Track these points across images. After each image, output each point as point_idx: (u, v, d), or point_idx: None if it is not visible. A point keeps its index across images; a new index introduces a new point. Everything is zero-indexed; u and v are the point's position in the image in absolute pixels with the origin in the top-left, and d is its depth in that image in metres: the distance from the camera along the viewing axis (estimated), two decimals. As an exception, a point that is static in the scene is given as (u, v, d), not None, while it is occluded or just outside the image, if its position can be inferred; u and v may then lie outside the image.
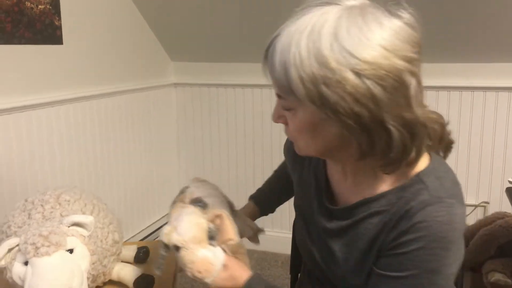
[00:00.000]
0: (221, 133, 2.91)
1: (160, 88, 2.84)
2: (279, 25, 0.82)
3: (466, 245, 1.36)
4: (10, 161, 1.82)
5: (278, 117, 0.89)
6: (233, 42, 2.64)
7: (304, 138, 0.86)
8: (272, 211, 1.37)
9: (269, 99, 2.72)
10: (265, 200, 1.34)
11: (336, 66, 0.73)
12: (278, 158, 1.52)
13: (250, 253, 3.07)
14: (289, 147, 1.11)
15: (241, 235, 1.12)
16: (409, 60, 0.75)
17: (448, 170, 0.88)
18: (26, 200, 1.17)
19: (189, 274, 0.96)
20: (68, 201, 1.14)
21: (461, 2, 2.02)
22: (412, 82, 0.76)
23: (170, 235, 0.98)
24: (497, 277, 1.34)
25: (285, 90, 0.81)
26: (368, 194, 0.90)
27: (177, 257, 0.97)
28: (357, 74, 0.73)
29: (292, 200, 1.17)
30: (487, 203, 2.49)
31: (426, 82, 0.81)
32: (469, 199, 2.51)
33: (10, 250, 0.99)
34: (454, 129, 0.94)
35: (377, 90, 0.74)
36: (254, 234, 1.26)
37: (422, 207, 0.81)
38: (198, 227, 0.97)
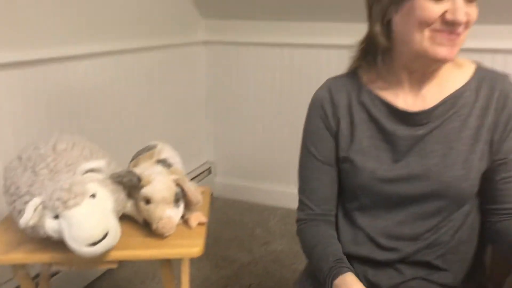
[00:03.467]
0: (250, 93, 2.78)
1: (190, 46, 2.70)
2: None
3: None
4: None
5: (466, 14, 0.88)
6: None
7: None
8: None
9: (300, 59, 2.61)
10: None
11: None
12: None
13: (274, 210, 2.88)
14: (326, 99, 1.07)
15: None
16: None
17: None
18: (20, 158, 1.17)
19: (153, 226, 1.15)
20: (65, 149, 1.17)
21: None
22: None
23: (147, 186, 1.16)
24: None
25: None
26: (442, 95, 0.98)
27: (145, 208, 1.17)
28: None
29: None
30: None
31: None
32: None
33: (35, 209, 1.03)
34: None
35: None
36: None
37: (505, 82, 0.97)
38: (168, 190, 1.17)
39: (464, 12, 0.87)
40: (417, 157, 0.99)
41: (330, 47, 2.48)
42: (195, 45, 2.77)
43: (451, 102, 0.98)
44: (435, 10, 0.87)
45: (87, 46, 1.96)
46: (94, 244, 1.01)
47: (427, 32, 0.89)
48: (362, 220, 1.04)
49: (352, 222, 1.06)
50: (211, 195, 2.92)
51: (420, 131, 0.98)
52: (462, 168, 0.97)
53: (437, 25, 0.88)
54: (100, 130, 2.08)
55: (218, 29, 2.78)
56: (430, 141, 0.98)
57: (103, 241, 1.02)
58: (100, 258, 1.09)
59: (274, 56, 2.68)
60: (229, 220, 2.70)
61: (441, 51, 0.89)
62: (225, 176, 2.99)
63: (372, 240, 1.04)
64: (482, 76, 0.99)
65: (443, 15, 0.87)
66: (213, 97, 2.90)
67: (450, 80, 0.99)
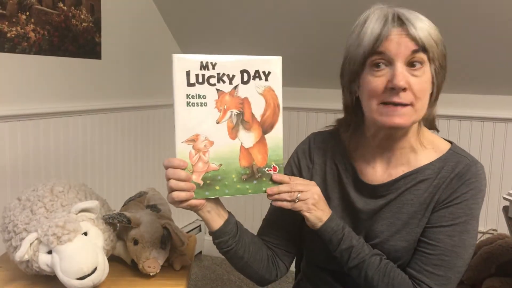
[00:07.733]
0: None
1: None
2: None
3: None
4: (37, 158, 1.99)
5: (406, 81, 0.95)
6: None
7: (423, 98, 0.97)
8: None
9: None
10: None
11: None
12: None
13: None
14: (302, 154, 1.18)
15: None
16: None
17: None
18: (19, 199, 1.26)
19: (140, 266, 1.21)
20: (62, 191, 1.25)
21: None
22: None
23: (136, 228, 1.23)
24: None
25: (425, 46, 0.95)
26: (408, 168, 1.05)
27: (133, 248, 1.23)
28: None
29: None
30: (495, 230, 2.49)
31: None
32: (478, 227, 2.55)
33: (30, 244, 1.11)
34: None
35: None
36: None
37: (468, 168, 1.01)
38: (156, 232, 1.24)
39: (405, 79, 0.94)
40: (371, 222, 1.07)
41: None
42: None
43: (412, 176, 1.05)
44: (376, 82, 0.96)
45: (85, 103, 2.16)
46: (84, 277, 1.07)
47: (374, 105, 0.98)
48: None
49: (311, 272, 1.19)
50: (200, 252, 2.98)
51: (380, 202, 1.06)
52: (405, 240, 1.03)
53: (386, 96, 0.96)
54: (94, 177, 2.21)
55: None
56: (385, 210, 1.06)
57: (92, 275, 1.08)
58: (88, 294, 1.15)
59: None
60: (217, 277, 2.73)
61: (387, 119, 0.97)
62: (215, 235, 3.04)
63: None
64: (450, 157, 1.05)
65: (387, 84, 0.95)
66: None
67: (418, 159, 1.06)
